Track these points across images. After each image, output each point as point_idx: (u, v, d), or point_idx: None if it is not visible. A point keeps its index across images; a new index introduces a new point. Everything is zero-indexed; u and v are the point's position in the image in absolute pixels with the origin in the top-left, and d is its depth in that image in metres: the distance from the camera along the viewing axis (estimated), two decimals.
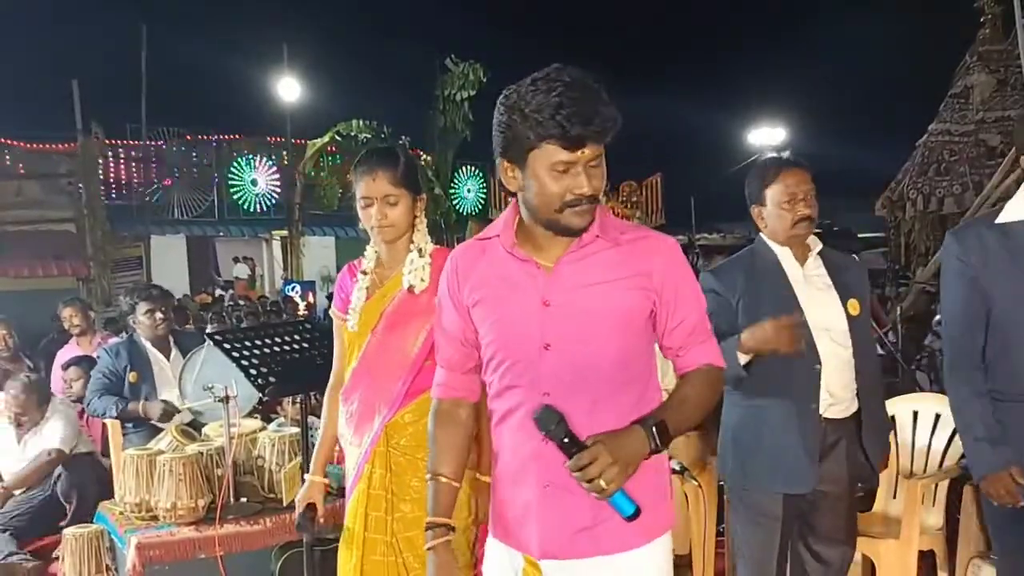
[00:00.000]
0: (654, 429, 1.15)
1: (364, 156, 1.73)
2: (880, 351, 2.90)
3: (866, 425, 1.89)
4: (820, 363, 1.82)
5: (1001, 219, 1.74)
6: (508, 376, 1.24)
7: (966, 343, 1.77)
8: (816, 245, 1.91)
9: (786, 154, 1.99)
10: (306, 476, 1.84)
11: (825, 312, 1.86)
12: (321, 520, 1.79)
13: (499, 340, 1.24)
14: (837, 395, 1.86)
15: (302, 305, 10.07)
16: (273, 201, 13.76)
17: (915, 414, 2.59)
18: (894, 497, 2.53)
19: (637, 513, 1.13)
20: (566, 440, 1.13)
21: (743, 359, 1.77)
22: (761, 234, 1.93)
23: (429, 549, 1.26)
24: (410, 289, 1.69)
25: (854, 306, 1.87)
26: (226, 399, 2.39)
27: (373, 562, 1.67)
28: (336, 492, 2.06)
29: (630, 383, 1.22)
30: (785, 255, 1.89)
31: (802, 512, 1.90)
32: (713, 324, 1.84)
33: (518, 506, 1.25)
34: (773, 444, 1.84)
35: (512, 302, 1.24)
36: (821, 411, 1.85)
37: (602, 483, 1.11)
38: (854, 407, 1.89)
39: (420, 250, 1.71)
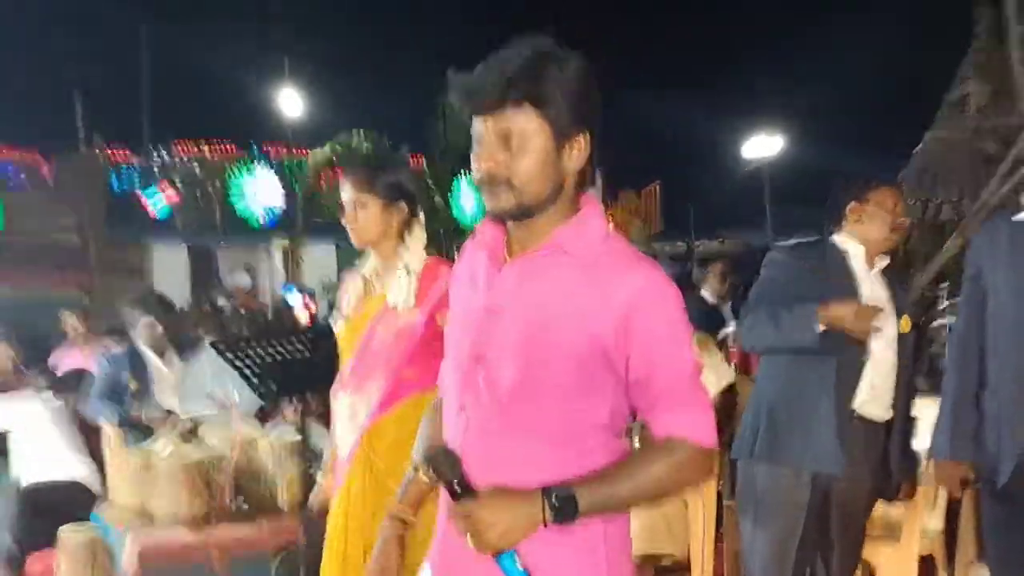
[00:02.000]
0: (555, 501, 0.96)
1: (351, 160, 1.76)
2: None
3: (895, 434, 1.94)
4: (868, 355, 1.87)
5: (1017, 217, 1.82)
6: (443, 383, 1.13)
7: (965, 334, 1.86)
8: (882, 261, 1.99)
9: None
10: (318, 479, 1.86)
11: (880, 315, 1.91)
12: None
13: (447, 342, 1.13)
14: (877, 393, 1.91)
15: (304, 316, 10.07)
16: (275, 211, 13.81)
17: (914, 419, 2.60)
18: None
19: None
20: (454, 484, 1.00)
21: (819, 327, 1.80)
22: (835, 236, 2.00)
23: (381, 537, 1.17)
24: (393, 308, 1.69)
25: (906, 322, 1.95)
26: (227, 405, 2.40)
27: (354, 566, 1.67)
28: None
29: (551, 429, 1.01)
30: (857, 255, 1.97)
31: (818, 506, 1.90)
32: (774, 290, 1.90)
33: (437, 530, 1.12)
34: (806, 422, 1.87)
35: (465, 301, 1.11)
36: (856, 406, 1.89)
37: (471, 542, 0.98)
38: (888, 415, 1.94)
39: (407, 267, 1.69)
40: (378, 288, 1.76)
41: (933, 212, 7.55)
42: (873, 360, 1.88)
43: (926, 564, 2.42)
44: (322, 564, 1.75)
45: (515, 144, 1.00)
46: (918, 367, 3.94)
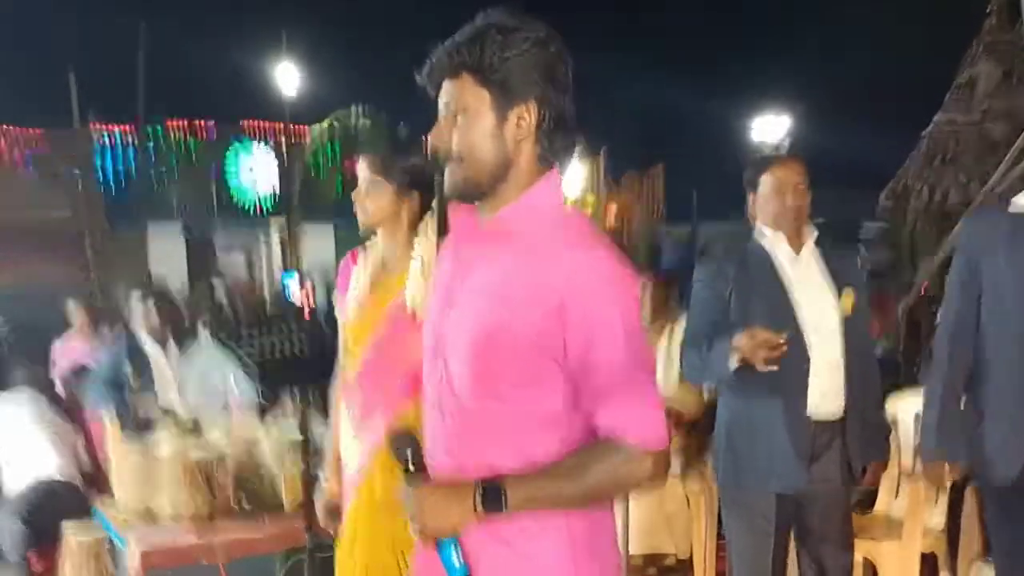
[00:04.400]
0: (484, 495, 0.94)
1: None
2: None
3: (850, 428, 1.89)
4: (809, 362, 1.83)
5: (1015, 207, 1.78)
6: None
7: (956, 329, 1.82)
8: (811, 235, 1.91)
9: (784, 144, 2.00)
10: (321, 481, 1.83)
11: (817, 309, 1.86)
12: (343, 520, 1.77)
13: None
14: (827, 395, 1.86)
15: (299, 295, 10.05)
16: (271, 191, 13.69)
17: (916, 415, 2.58)
18: (896, 498, 2.52)
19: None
20: (410, 469, 0.99)
21: (733, 363, 1.77)
22: (757, 224, 1.94)
23: None
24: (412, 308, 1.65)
25: (848, 298, 1.87)
26: (226, 398, 2.37)
27: (376, 565, 1.66)
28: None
29: (505, 423, 0.98)
30: (779, 244, 1.90)
31: (797, 513, 1.90)
32: (705, 317, 1.88)
33: None
34: (765, 444, 1.85)
35: (436, 285, 1.09)
36: (809, 412, 1.85)
37: (411, 528, 0.98)
38: (842, 411, 1.89)
39: (423, 261, 1.64)
40: (389, 275, 1.71)
41: (941, 196, 7.48)
42: (814, 362, 1.83)
43: (928, 562, 2.42)
44: (338, 563, 1.71)
45: (459, 116, 0.99)
46: (920, 360, 3.93)
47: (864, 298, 1.97)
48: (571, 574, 1.00)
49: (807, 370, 1.82)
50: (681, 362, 2.01)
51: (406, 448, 0.99)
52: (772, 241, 1.89)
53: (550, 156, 1.00)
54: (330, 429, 1.83)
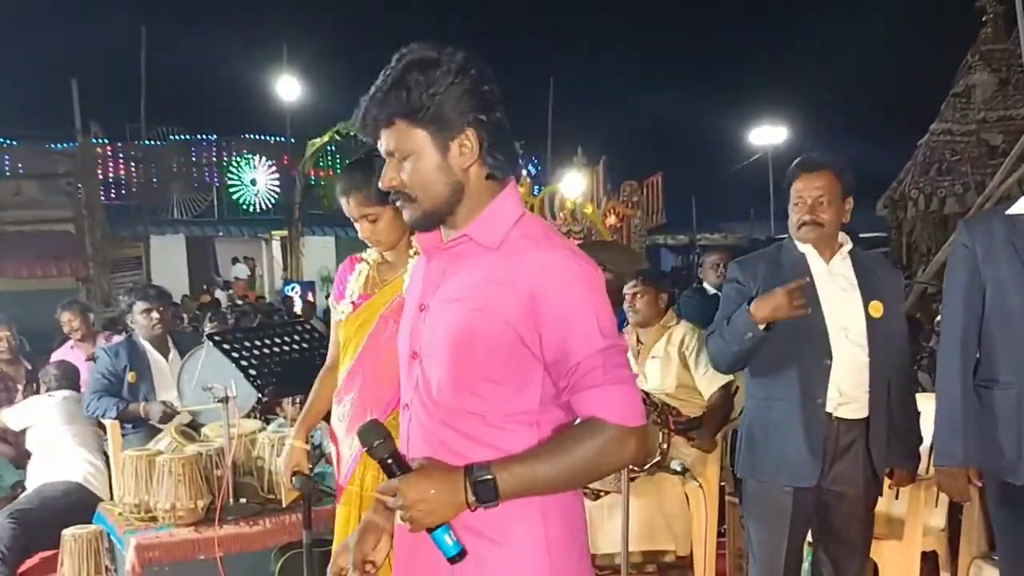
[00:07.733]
0: (475, 483, 0.97)
1: (341, 173, 1.72)
2: None
3: (875, 429, 1.88)
4: (831, 359, 1.82)
5: (1011, 211, 1.79)
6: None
7: (961, 330, 1.80)
8: (847, 244, 1.92)
9: (813, 154, 1.94)
10: (287, 441, 1.82)
11: (844, 310, 1.86)
12: (311, 480, 1.77)
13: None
14: (848, 394, 1.85)
15: (299, 305, 10.06)
16: (273, 201, 13.76)
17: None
18: (896, 498, 2.52)
19: (460, 556, 1.00)
20: (389, 461, 1.01)
21: (761, 327, 1.78)
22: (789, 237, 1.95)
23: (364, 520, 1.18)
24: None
25: (876, 307, 1.85)
26: (225, 399, 2.38)
27: None
28: (331, 492, 2.06)
29: (484, 422, 1.02)
30: (810, 251, 1.90)
31: (818, 512, 1.89)
32: (727, 310, 1.87)
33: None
34: (780, 437, 1.85)
35: (410, 298, 1.15)
36: (831, 409, 1.85)
37: (399, 517, 1.01)
38: (864, 413, 1.88)
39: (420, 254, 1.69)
40: (388, 276, 1.74)
41: (937, 205, 7.53)
42: (839, 360, 1.82)
43: (929, 560, 2.41)
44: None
45: (403, 159, 1.03)
46: (919, 362, 3.94)
47: (899, 310, 1.95)
48: (546, 560, 1.03)
49: (829, 366, 1.82)
50: (709, 354, 2.01)
51: (376, 440, 1.00)
52: (804, 248, 1.90)
53: (498, 171, 1.05)
54: (307, 403, 1.82)
